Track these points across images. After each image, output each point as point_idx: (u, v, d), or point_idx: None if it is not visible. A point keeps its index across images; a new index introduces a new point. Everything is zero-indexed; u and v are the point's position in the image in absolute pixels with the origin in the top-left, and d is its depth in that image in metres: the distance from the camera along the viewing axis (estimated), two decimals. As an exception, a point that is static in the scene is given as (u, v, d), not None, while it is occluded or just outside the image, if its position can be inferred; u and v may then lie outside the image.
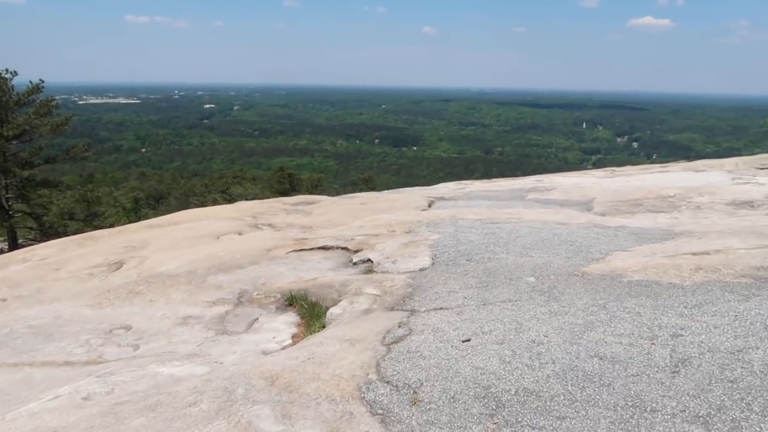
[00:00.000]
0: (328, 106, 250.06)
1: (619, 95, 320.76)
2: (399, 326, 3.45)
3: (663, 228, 5.95)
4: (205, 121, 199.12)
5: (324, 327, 4.03)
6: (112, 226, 23.70)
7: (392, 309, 3.91)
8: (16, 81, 23.92)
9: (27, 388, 3.50)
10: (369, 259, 5.35)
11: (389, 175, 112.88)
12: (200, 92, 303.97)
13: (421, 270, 4.78)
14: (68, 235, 18.57)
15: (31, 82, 24.58)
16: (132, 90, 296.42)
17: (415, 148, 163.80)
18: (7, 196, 23.80)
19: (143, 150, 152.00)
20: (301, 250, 6.14)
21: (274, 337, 4.08)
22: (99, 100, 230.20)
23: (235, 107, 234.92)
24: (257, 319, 4.48)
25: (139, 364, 3.63)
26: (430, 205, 10.37)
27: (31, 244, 18.59)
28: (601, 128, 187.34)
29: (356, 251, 5.82)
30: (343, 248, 6.06)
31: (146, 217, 33.66)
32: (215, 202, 37.70)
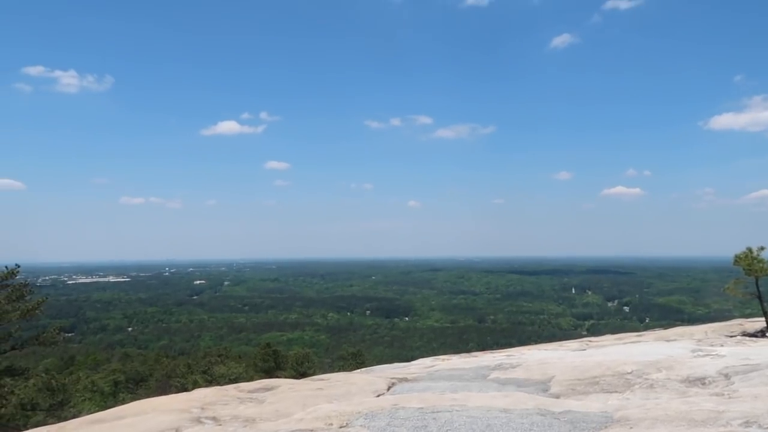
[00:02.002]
0: (319, 278, 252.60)
1: (603, 260, 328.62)
2: None
3: (605, 413, 5.66)
4: (195, 297, 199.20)
5: None
6: (78, 414, 22.51)
7: None
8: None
9: None
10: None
11: (382, 347, 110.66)
12: (191, 269, 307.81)
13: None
14: (27, 428, 17.50)
15: (6, 267, 24.82)
16: (123, 268, 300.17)
17: (407, 318, 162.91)
18: (-33, 386, 22.79)
19: (130, 329, 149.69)
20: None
21: None
22: (88, 279, 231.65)
23: (226, 282, 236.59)
24: None
25: None
26: (389, 388, 9.98)
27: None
28: (590, 293, 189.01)
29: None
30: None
31: (123, 401, 32.13)
32: (195, 384, 36.24)
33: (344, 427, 6.02)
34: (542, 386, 8.43)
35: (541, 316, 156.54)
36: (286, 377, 37.18)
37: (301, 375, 37.81)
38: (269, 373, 42.13)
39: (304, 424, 6.62)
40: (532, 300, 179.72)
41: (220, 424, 7.81)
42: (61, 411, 25.28)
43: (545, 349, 14.73)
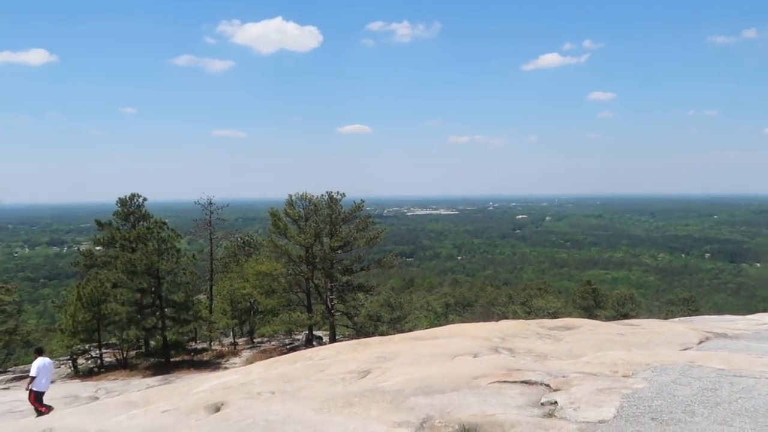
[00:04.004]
0: (648, 216, 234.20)
1: None
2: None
3: None
4: (517, 231, 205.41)
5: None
6: (413, 329, 26.17)
7: (533, 462, 3.80)
8: (343, 200, 29.16)
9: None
10: (555, 401, 5.17)
11: (724, 295, 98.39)
12: (513, 203, 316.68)
13: (600, 422, 4.47)
14: (375, 335, 21.16)
15: (354, 201, 29.55)
16: (452, 202, 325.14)
17: (758, 264, 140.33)
18: (331, 297, 28.32)
19: (459, 257, 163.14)
20: (504, 381, 6.20)
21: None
22: (423, 212, 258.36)
23: (547, 218, 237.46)
24: (426, 447, 4.73)
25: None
26: (699, 343, 9.20)
27: (344, 340, 21.66)
28: None
29: (555, 390, 5.65)
30: (546, 385, 5.93)
31: (452, 322, 36.04)
32: (515, 314, 38.24)
33: (627, 376, 5.89)
34: None
35: None
36: (605, 317, 36.31)
37: (623, 316, 36.38)
38: (588, 311, 41.62)
39: (588, 367, 6.67)
40: None
41: (514, 356, 8.32)
42: (399, 324, 29.48)
43: None
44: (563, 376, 6.19)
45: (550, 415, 4.92)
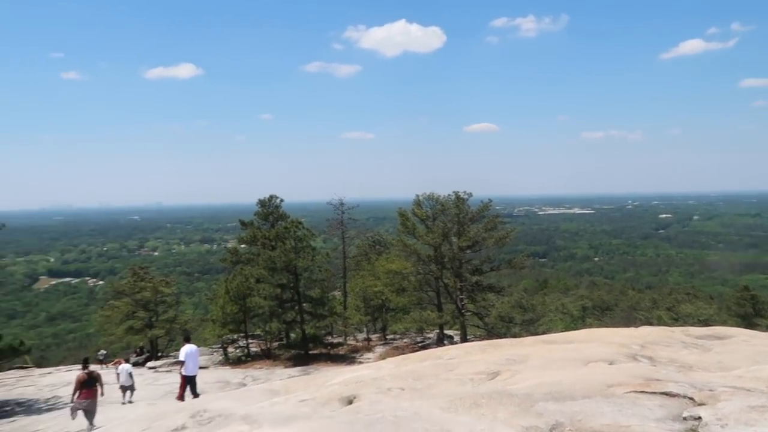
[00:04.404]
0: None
1: None
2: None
3: None
4: (661, 231, 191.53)
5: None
6: (548, 331, 25.45)
7: (671, 478, 3.60)
8: (471, 200, 28.98)
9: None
10: (700, 417, 4.82)
11: None
12: (655, 201, 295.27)
13: (751, 443, 4.11)
14: (506, 337, 20.87)
15: (482, 201, 29.25)
16: (586, 201, 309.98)
17: None
18: (461, 297, 28.29)
19: (596, 259, 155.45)
20: (642, 392, 5.87)
21: (560, 476, 4.20)
22: (556, 211, 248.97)
23: (695, 217, 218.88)
24: (555, 454, 4.63)
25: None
26: None
27: (474, 341, 21.62)
28: None
29: (699, 404, 5.26)
30: (689, 398, 5.54)
31: (589, 326, 34.55)
32: (659, 320, 35.84)
33: (781, 393, 5.35)
34: None
35: None
36: (766, 327, 32.82)
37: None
38: (745, 320, 37.91)
39: (740, 381, 6.12)
40: None
41: (654, 365, 7.85)
42: (532, 326, 28.78)
43: None
44: (710, 390, 5.74)
45: (693, 431, 4.61)
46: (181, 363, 15.10)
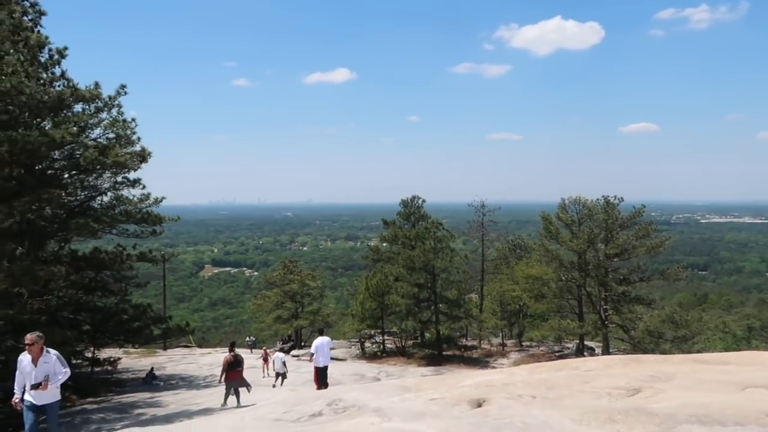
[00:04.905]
0: None
1: None
2: None
3: None
4: None
5: None
6: (703, 350, 23.33)
7: None
8: (622, 205, 27.30)
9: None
10: None
11: None
12: None
13: None
14: (654, 353, 19.49)
15: (634, 207, 27.43)
16: (759, 209, 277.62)
17: None
18: (605, 307, 26.80)
19: (767, 274, 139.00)
20: (808, 424, 5.22)
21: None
22: (722, 219, 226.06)
23: None
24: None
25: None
26: None
27: (617, 354, 20.43)
28: None
29: None
30: None
31: (755, 348, 31.18)
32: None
33: None
34: None
35: None
36: None
37: None
38: None
39: None
40: None
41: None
42: (685, 344, 26.52)
43: None
44: None
45: None
46: (311, 355, 15.63)
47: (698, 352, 20.62)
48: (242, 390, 14.82)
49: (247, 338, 41.52)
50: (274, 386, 20.23)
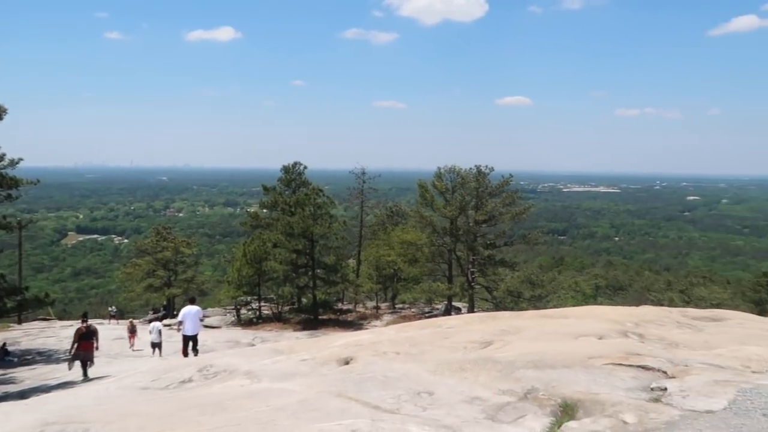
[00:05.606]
0: None
1: None
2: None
3: None
4: (686, 213, 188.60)
5: (552, 438, 4.26)
6: (557, 307, 25.63)
7: (621, 440, 3.88)
8: (493, 174, 29.04)
9: (334, 413, 4.99)
10: (666, 388, 5.08)
11: None
12: (684, 183, 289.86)
13: (706, 412, 4.36)
14: (514, 311, 21.15)
15: (503, 176, 29.28)
16: (613, 179, 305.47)
17: None
18: (472, 270, 28.57)
19: (616, 238, 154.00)
20: (620, 364, 6.12)
21: (524, 435, 4.51)
22: (581, 188, 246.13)
23: (724, 200, 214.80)
24: (526, 415, 4.94)
25: (403, 420, 4.68)
26: None
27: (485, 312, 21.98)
28: None
29: (670, 377, 5.51)
30: (663, 371, 5.78)
31: (600, 304, 34.65)
32: (671, 302, 35.79)
33: (757, 372, 5.56)
34: None
35: None
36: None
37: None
38: (759, 306, 37.67)
39: (718, 360, 6.33)
40: None
41: (642, 342, 8.09)
42: (541, 302, 28.99)
43: None
44: (684, 365, 5.98)
45: (656, 400, 4.86)
46: (179, 323, 15.30)
47: (552, 309, 22.67)
48: (106, 361, 14.28)
49: (110, 308, 39.58)
50: (152, 356, 19.66)
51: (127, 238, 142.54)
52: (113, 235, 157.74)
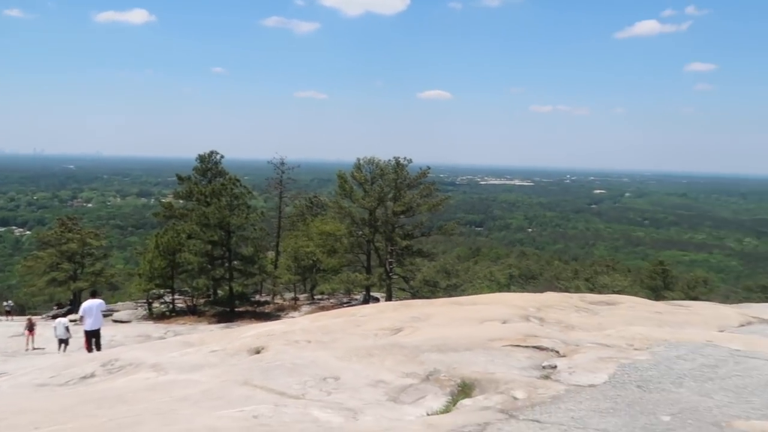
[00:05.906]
0: (738, 197, 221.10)
1: None
2: (482, 426, 3.74)
3: None
4: (593, 206, 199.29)
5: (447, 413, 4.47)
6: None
7: (508, 414, 4.12)
8: (411, 166, 29.52)
9: (237, 401, 4.99)
10: (555, 366, 5.42)
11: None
12: (591, 177, 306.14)
13: (589, 386, 4.70)
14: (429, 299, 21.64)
15: (420, 168, 29.82)
16: (528, 173, 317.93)
17: None
18: (390, 260, 29.00)
19: (530, 230, 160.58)
20: (517, 345, 6.46)
21: (423, 414, 4.69)
22: (498, 181, 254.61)
23: (627, 194, 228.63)
24: (426, 396, 5.13)
25: (306, 404, 4.76)
26: (740, 326, 9.06)
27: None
28: None
29: (561, 356, 5.88)
30: (556, 351, 6.15)
31: (512, 291, 36.07)
32: (578, 289, 37.76)
33: (638, 349, 6.03)
34: None
35: None
36: (671, 299, 35.18)
37: (693, 299, 35.15)
38: (655, 292, 40.43)
39: (607, 339, 6.80)
40: None
41: (542, 325, 8.54)
42: (456, 292, 29.85)
43: None
44: (576, 345, 6.38)
45: (546, 377, 5.19)
46: (81, 318, 14.63)
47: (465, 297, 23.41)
48: (2, 359, 13.46)
49: (4, 303, 37.21)
50: (58, 352, 18.64)
51: (29, 230, 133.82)
52: (13, 227, 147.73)
